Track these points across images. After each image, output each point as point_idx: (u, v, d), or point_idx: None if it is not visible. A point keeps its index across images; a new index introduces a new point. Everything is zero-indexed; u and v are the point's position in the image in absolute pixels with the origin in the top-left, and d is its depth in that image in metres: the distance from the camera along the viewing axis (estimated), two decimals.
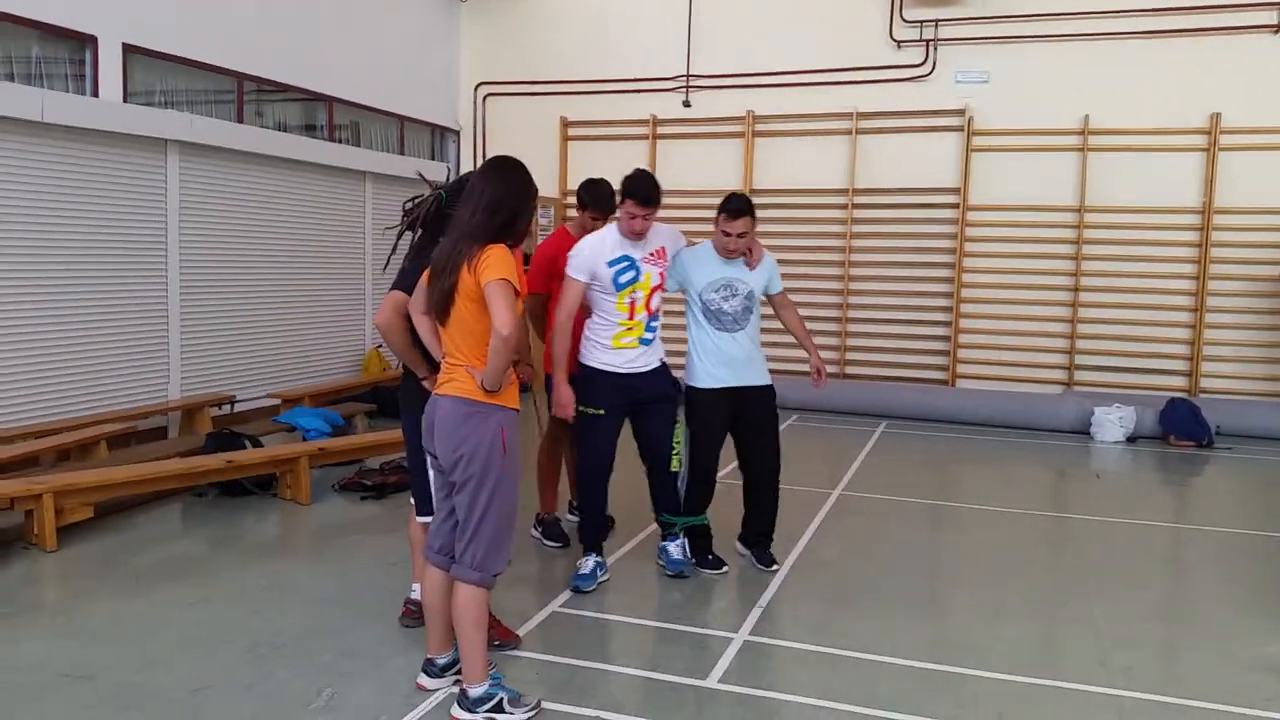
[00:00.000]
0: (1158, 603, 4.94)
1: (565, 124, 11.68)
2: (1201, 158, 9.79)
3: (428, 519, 3.85)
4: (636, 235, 4.66)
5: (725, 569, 5.00)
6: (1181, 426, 9.00)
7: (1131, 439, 9.06)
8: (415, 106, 11.33)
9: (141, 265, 7.77)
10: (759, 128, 11.02)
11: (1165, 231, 9.95)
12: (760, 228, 11.17)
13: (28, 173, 6.87)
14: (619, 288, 4.67)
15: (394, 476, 6.60)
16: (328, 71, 9.80)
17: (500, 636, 4.00)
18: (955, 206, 10.46)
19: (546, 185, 11.07)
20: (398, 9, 11.01)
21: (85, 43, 7.36)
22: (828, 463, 7.88)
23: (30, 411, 6.96)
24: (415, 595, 4.18)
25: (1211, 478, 8.01)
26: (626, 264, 4.68)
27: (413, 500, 4.11)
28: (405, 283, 3.79)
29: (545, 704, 3.47)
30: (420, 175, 4.49)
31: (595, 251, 4.69)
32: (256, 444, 6.63)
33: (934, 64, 10.42)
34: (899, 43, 10.49)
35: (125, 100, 7.64)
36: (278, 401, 8.62)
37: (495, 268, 3.18)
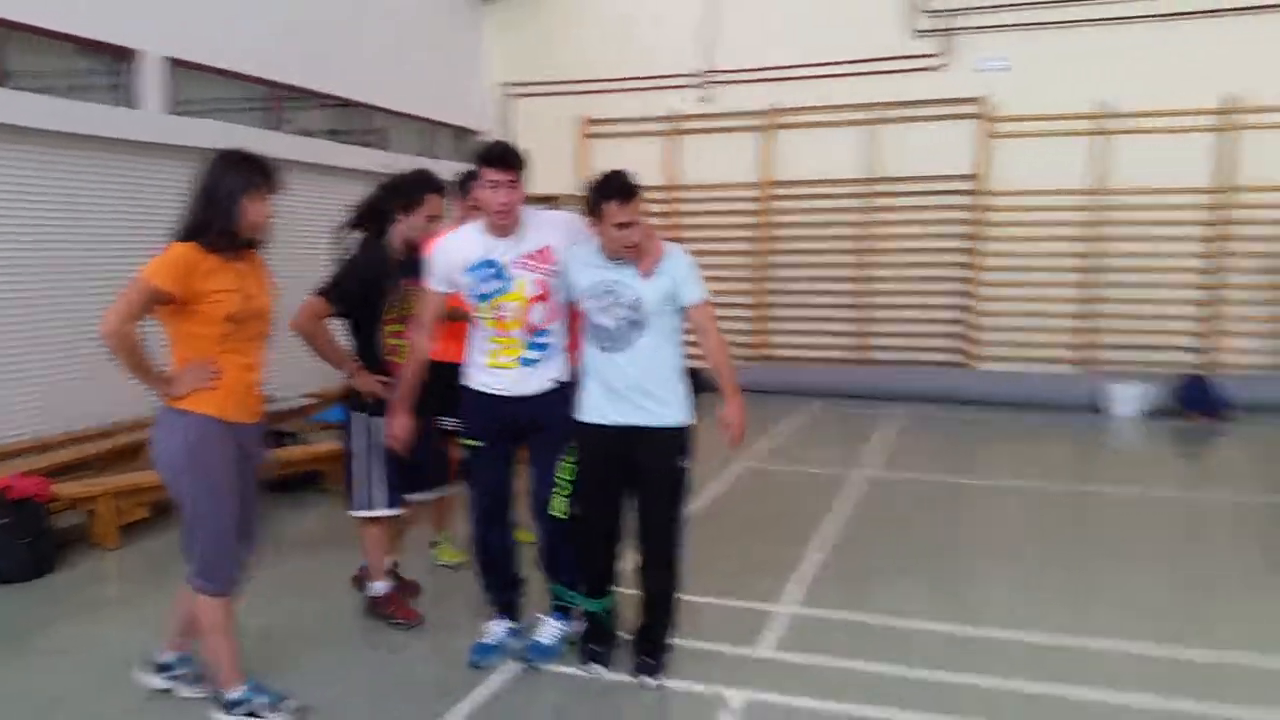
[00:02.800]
0: (1185, 568, 5.14)
1: (586, 122, 11.88)
2: (1215, 138, 9.91)
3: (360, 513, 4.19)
4: (501, 217, 3.63)
5: (648, 679, 3.73)
6: (1196, 401, 9.17)
7: (1148, 415, 9.23)
8: (441, 110, 11.54)
9: None
10: (779, 120, 11.19)
11: (1179, 211, 10.08)
12: (779, 219, 11.47)
13: (102, 185, 7.24)
14: (482, 299, 3.72)
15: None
16: (356, 77, 10.01)
17: (402, 616, 4.24)
18: (973, 193, 10.62)
19: (568, 184, 11.27)
20: (422, 13, 11.22)
21: (126, 57, 7.61)
22: (853, 446, 8.07)
23: (85, 412, 7.22)
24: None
25: (1227, 450, 8.18)
26: (490, 271, 3.69)
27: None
28: (331, 289, 4.09)
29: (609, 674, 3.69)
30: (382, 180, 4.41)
31: (450, 254, 3.77)
32: (303, 441, 6.87)
33: (952, 52, 10.57)
34: (918, 32, 10.63)
35: (168, 112, 7.89)
36: (312, 401, 8.86)
37: (147, 265, 3.11)
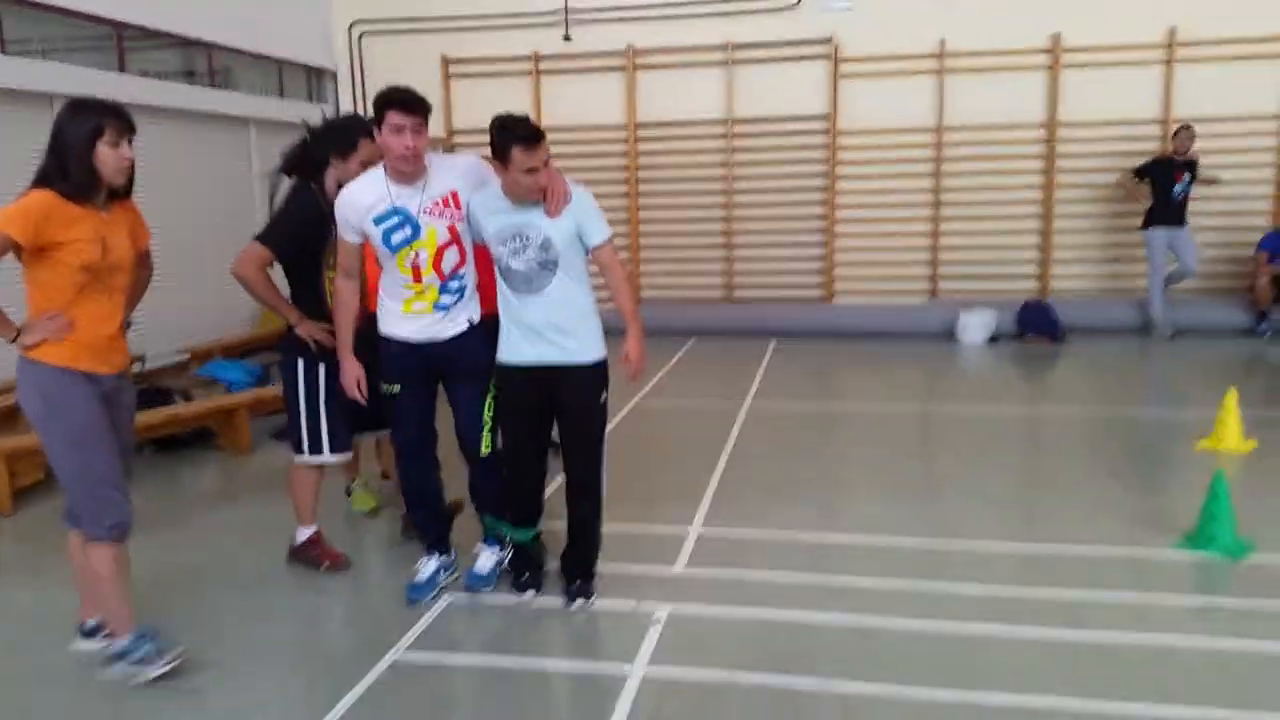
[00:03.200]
0: (1033, 471, 5.78)
1: (446, 62, 11.71)
2: (1045, 75, 10.68)
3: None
4: (407, 163, 3.63)
5: (582, 601, 3.96)
6: (1036, 325, 10.03)
7: (993, 339, 10.03)
8: (291, 48, 11.14)
9: None
10: (639, 61, 11.34)
11: (1014, 146, 10.84)
12: (646, 160, 11.67)
13: None
14: (393, 249, 3.76)
15: None
16: (199, 14, 9.53)
17: (330, 559, 4.38)
18: (826, 132, 11.10)
19: (431, 126, 11.12)
20: None
21: None
22: (730, 380, 8.48)
23: None
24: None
25: (1065, 368, 9.03)
26: (398, 219, 3.73)
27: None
28: (269, 236, 4.12)
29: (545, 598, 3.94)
30: (303, 122, 4.45)
31: (354, 204, 3.76)
32: (187, 398, 6.74)
33: None
34: None
35: (2, 52, 7.39)
36: (186, 357, 8.62)
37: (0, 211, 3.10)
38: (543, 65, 11.54)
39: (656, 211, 11.48)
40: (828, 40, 10.92)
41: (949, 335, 10.21)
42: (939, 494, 5.41)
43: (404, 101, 3.60)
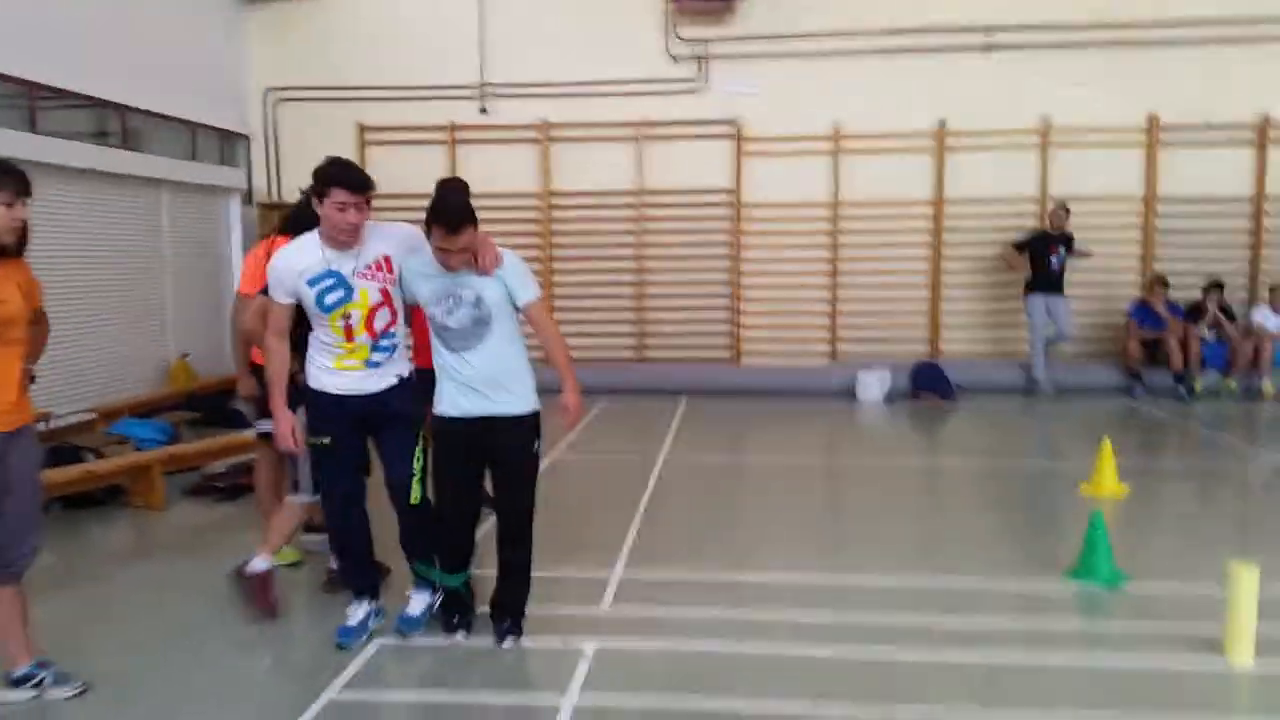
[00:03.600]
0: (929, 516, 6.17)
1: (363, 129, 11.92)
2: (932, 157, 11.47)
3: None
4: (347, 235, 3.84)
5: (512, 640, 4.11)
6: (928, 384, 10.61)
7: (889, 398, 10.57)
8: (204, 112, 11.20)
9: None
10: (553, 134, 11.75)
11: (905, 220, 11.57)
12: (558, 228, 12.02)
13: None
14: (326, 310, 3.91)
15: (245, 478, 6.81)
16: (113, 77, 9.55)
17: (262, 605, 4.42)
18: (731, 205, 11.65)
19: None
20: (181, 14, 10.83)
21: None
22: (644, 436, 8.74)
23: None
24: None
25: (955, 423, 9.57)
26: (332, 281, 3.89)
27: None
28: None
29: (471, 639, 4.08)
30: (301, 191, 4.57)
31: (289, 268, 3.92)
32: (99, 456, 6.66)
33: (706, 77, 11.54)
34: (675, 58, 11.53)
35: None
36: (93, 416, 8.48)
37: None
38: (459, 135, 11.86)
39: (570, 275, 11.80)
40: (732, 121, 11.53)
41: (849, 394, 10.70)
42: (843, 537, 5.77)
43: (350, 181, 3.80)
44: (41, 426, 8.07)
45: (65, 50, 8.86)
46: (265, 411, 5.05)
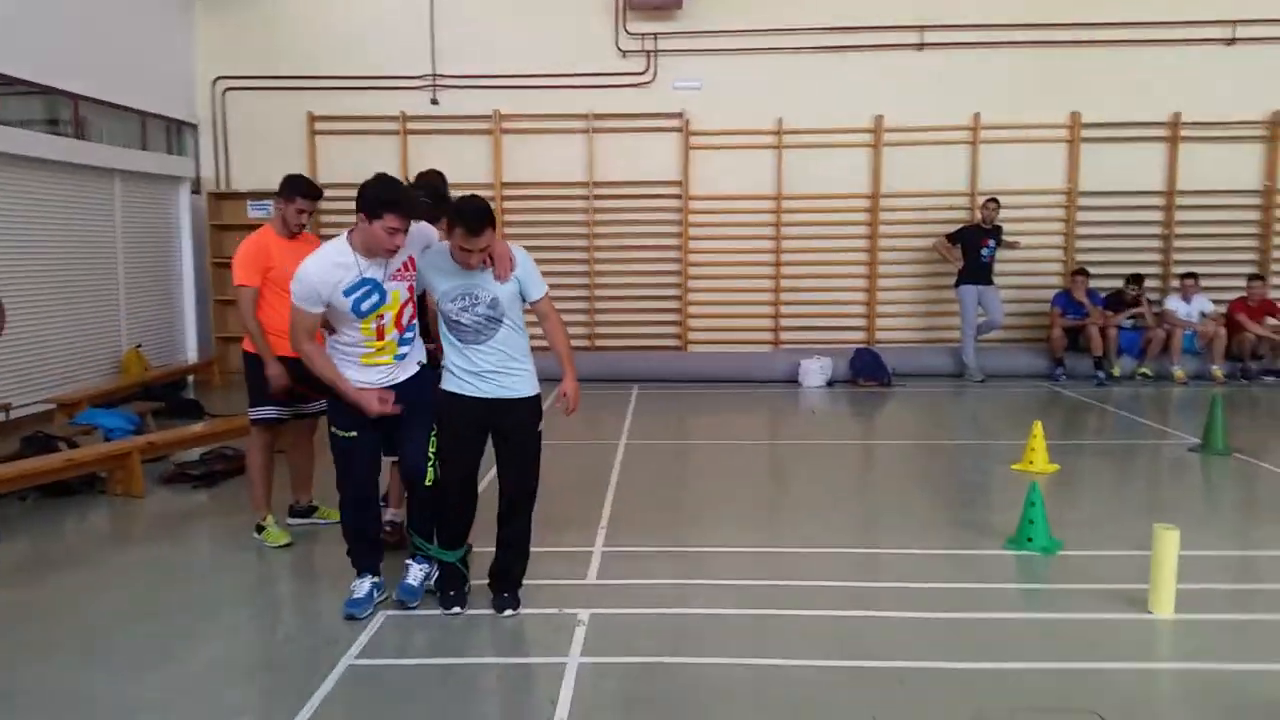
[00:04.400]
0: (873, 491, 6.64)
1: (312, 119, 11.97)
2: (870, 152, 11.98)
3: None
4: (391, 254, 4.10)
5: (510, 610, 4.38)
6: (867, 370, 11.13)
7: (830, 383, 11.07)
8: (152, 101, 11.15)
9: None
10: (505, 125, 11.96)
11: (844, 213, 12.08)
12: (510, 219, 12.27)
13: None
14: (362, 315, 4.14)
15: (220, 465, 6.98)
16: (62, 65, 9.48)
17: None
18: (679, 197, 12.02)
19: None
20: (125, 4, 10.73)
21: None
22: (602, 423, 9.07)
23: None
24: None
25: (893, 407, 10.11)
26: (368, 289, 4.11)
27: None
28: None
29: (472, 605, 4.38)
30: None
31: (325, 281, 4.06)
32: (72, 446, 6.75)
33: (655, 72, 11.88)
34: (624, 52, 11.83)
35: None
36: (53, 407, 8.50)
37: None
38: (410, 125, 11.99)
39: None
40: (679, 114, 11.88)
41: (792, 380, 11.17)
42: (798, 510, 6.23)
43: (402, 205, 4.00)
44: (1, 417, 8.12)
45: (13, 38, 8.79)
46: (258, 399, 5.30)
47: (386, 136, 12.01)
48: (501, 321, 4.18)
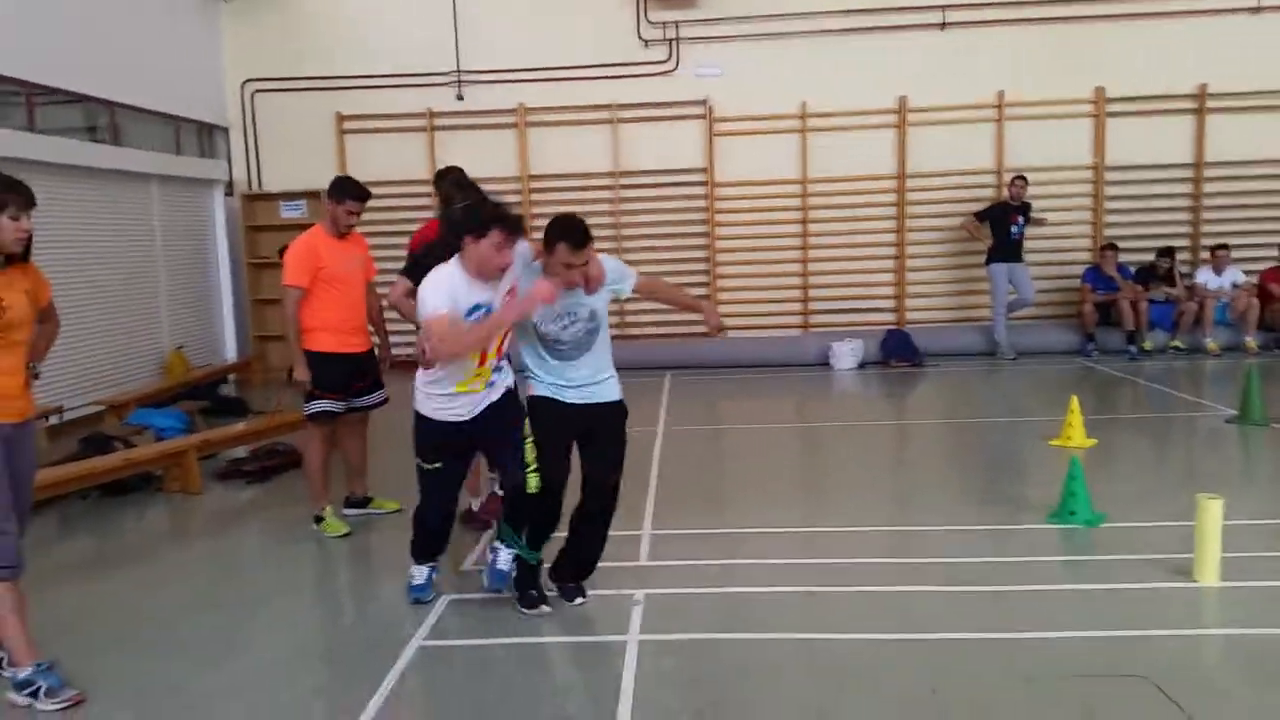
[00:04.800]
0: (912, 470, 6.73)
1: (341, 118, 12.13)
2: (895, 133, 12.00)
3: None
4: (501, 273, 4.08)
5: (581, 599, 4.46)
6: (898, 351, 11.19)
7: (862, 365, 11.14)
8: (183, 106, 11.33)
9: None
10: (530, 119, 12.08)
11: (870, 195, 12.11)
12: (539, 210, 12.38)
13: None
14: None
15: (273, 460, 7.15)
16: (97, 73, 9.66)
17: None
18: (704, 184, 12.10)
19: (325, 178, 11.51)
20: (156, 8, 10.92)
21: None
22: (639, 410, 9.10)
23: None
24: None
25: (925, 387, 10.18)
26: (482, 313, 4.07)
27: None
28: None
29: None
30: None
31: (452, 291, 4.02)
32: (129, 445, 6.95)
33: (677, 60, 11.94)
34: (646, 41, 11.91)
35: None
36: (102, 409, 8.72)
37: None
38: (436, 121, 12.13)
39: None
40: (703, 102, 11.95)
41: (823, 363, 11.25)
42: (836, 491, 6.35)
43: (508, 221, 3.97)
44: (55, 420, 8.34)
45: (53, 48, 8.98)
46: (313, 395, 5.46)
47: (414, 134, 12.15)
48: (598, 331, 4.25)
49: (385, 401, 5.88)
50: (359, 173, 12.01)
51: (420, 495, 4.45)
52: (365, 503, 5.96)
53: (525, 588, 4.41)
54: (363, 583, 5.03)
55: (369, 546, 5.48)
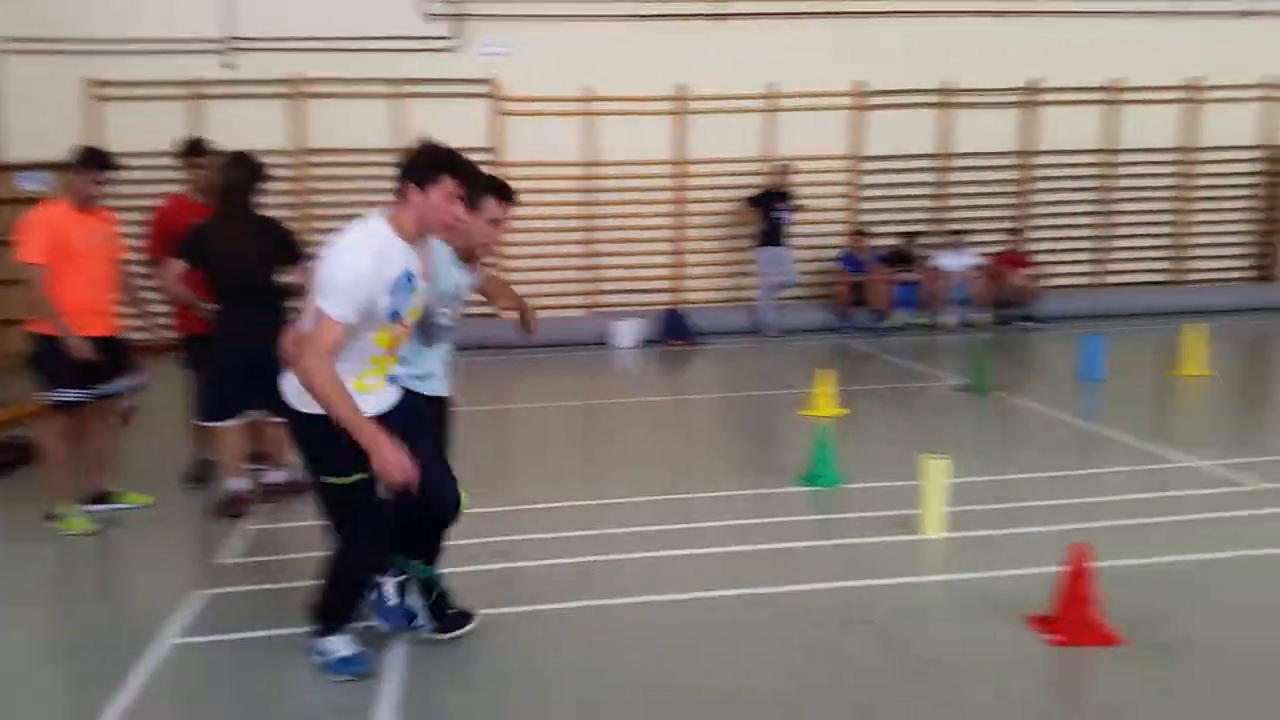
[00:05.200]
0: (681, 441, 7.19)
1: (94, 84, 11.28)
2: (670, 120, 12.48)
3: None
4: (450, 234, 3.54)
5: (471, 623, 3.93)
6: (674, 331, 11.73)
7: (640, 344, 11.60)
8: None
9: None
10: (307, 90, 11.68)
11: (651, 180, 12.56)
12: (316, 187, 12.02)
13: None
14: (392, 320, 3.32)
15: (6, 456, 6.63)
16: None
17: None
18: (492, 164, 12.09)
19: (68, 149, 10.71)
20: None
21: None
22: None
23: None
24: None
25: (698, 364, 10.77)
26: (409, 284, 3.32)
27: None
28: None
29: None
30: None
31: (377, 275, 3.21)
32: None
33: (464, 37, 11.88)
34: (430, 15, 11.77)
35: None
36: None
37: None
38: (203, 90, 11.51)
39: (328, 236, 11.80)
40: (489, 81, 11.97)
41: (604, 342, 11.62)
42: (615, 465, 6.74)
43: (462, 167, 3.38)
44: None
45: None
46: (58, 382, 5.13)
47: (177, 102, 11.47)
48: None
49: (140, 389, 5.63)
50: (113, 144, 11.29)
51: (339, 533, 3.52)
52: (108, 498, 5.66)
53: (444, 606, 3.85)
54: (110, 582, 4.87)
55: (118, 544, 5.26)
